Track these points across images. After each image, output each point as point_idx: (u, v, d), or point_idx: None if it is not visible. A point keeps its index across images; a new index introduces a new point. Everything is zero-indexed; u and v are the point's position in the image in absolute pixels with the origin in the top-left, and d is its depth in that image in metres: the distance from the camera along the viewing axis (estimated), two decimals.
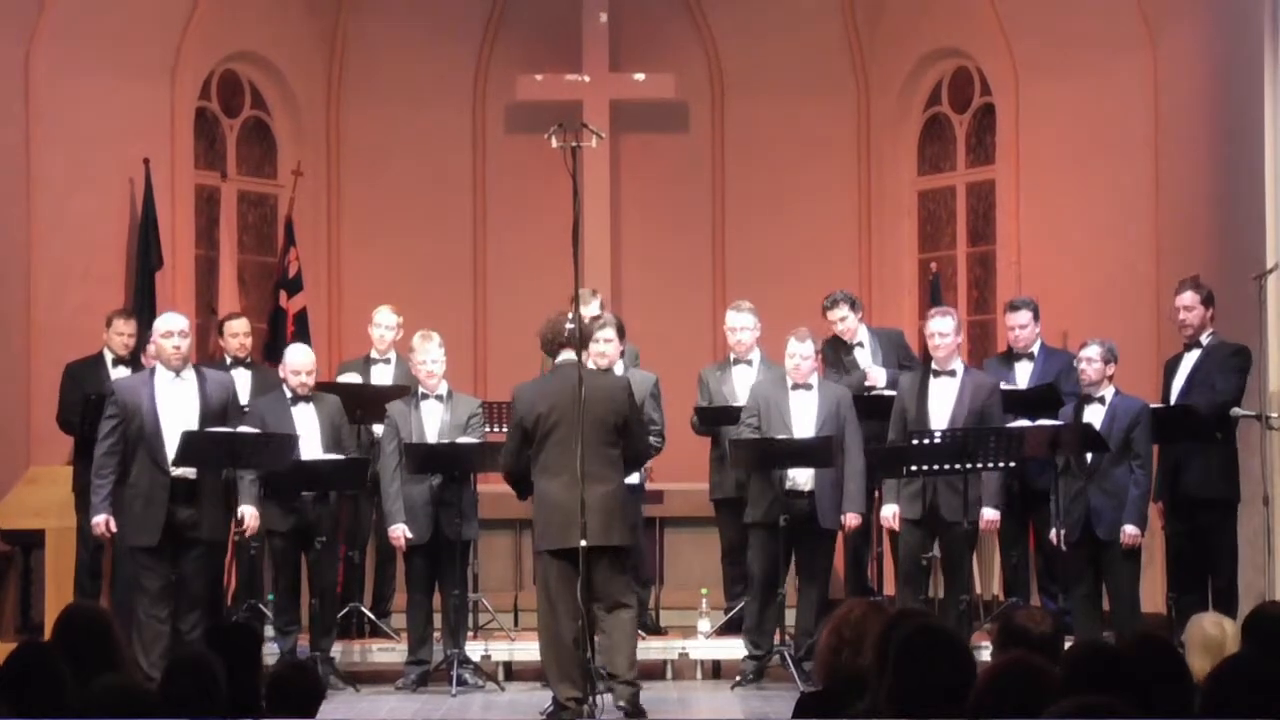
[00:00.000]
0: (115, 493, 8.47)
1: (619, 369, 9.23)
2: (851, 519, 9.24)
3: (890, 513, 9.09)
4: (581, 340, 8.70)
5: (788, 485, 9.11)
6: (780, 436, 9.08)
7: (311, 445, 9.17)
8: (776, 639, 9.16)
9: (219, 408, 8.58)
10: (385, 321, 10.06)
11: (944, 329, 9.12)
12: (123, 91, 11.31)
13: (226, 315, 10.64)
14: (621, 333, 9.27)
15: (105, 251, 11.22)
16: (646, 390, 9.33)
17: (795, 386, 9.23)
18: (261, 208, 12.56)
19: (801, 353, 9.19)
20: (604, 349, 9.08)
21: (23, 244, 10.76)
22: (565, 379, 8.06)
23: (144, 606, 8.37)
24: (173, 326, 8.60)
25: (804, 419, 9.18)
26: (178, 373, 8.55)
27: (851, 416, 9.24)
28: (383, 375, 10.07)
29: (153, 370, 8.65)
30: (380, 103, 12.61)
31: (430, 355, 9.25)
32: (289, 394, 9.30)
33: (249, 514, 8.69)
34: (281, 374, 9.47)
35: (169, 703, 4.23)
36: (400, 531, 9.17)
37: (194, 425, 8.44)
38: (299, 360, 9.32)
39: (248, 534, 8.76)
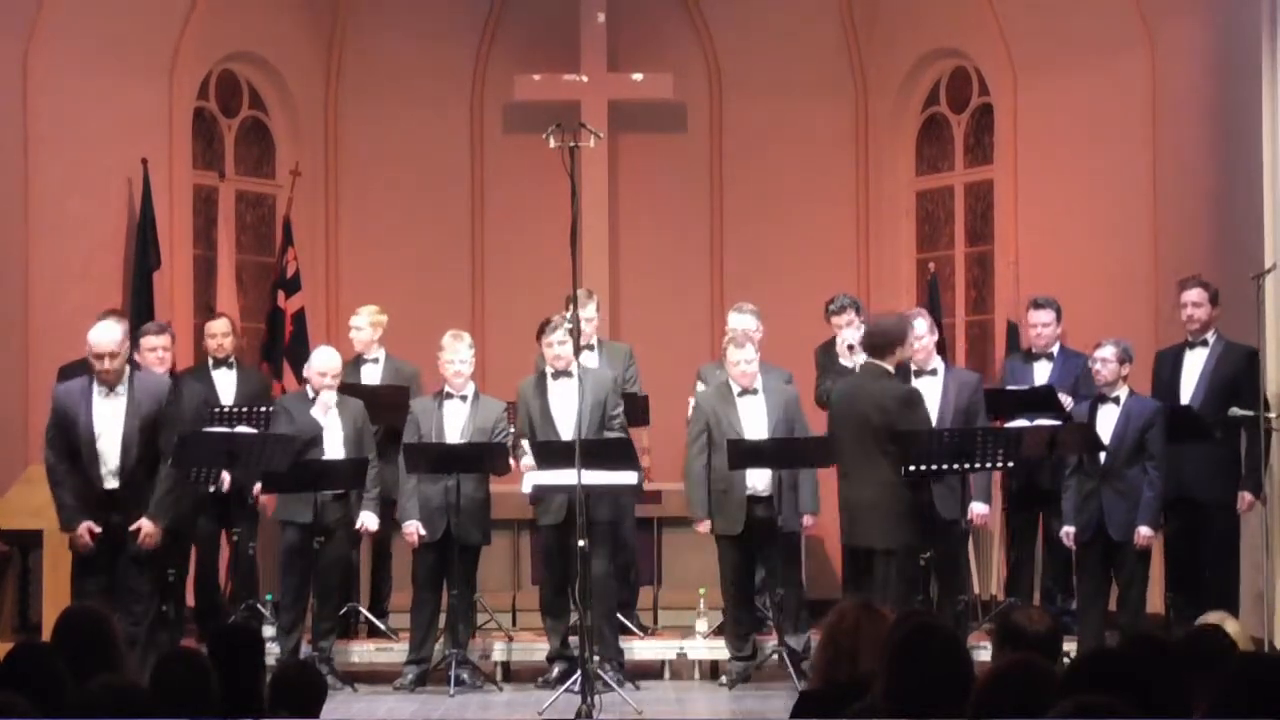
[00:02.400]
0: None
1: (592, 361, 9.27)
2: (807, 520, 9.25)
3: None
4: (577, 339, 8.74)
5: (747, 491, 9.05)
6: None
7: (334, 446, 9.25)
8: (775, 640, 9.16)
9: (149, 417, 8.27)
10: (355, 323, 10.18)
11: (916, 333, 9.03)
12: (121, 91, 11.30)
13: (207, 316, 10.64)
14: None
15: (103, 251, 11.21)
16: (607, 387, 9.26)
17: (742, 393, 9.17)
18: (259, 208, 12.56)
19: (745, 358, 9.13)
20: (558, 351, 9.12)
21: (21, 244, 10.75)
22: (852, 383, 8.62)
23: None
24: (102, 349, 8.16)
25: (755, 424, 9.11)
26: (111, 388, 8.25)
27: (801, 417, 9.24)
28: (371, 374, 10.09)
29: (92, 380, 8.29)
30: (378, 102, 12.61)
31: (459, 355, 9.29)
32: (310, 394, 9.35)
33: (145, 526, 8.21)
34: (306, 374, 9.56)
35: (159, 700, 4.22)
36: (414, 528, 9.17)
37: (123, 438, 8.23)
38: (321, 363, 9.37)
39: (143, 545, 8.25)
